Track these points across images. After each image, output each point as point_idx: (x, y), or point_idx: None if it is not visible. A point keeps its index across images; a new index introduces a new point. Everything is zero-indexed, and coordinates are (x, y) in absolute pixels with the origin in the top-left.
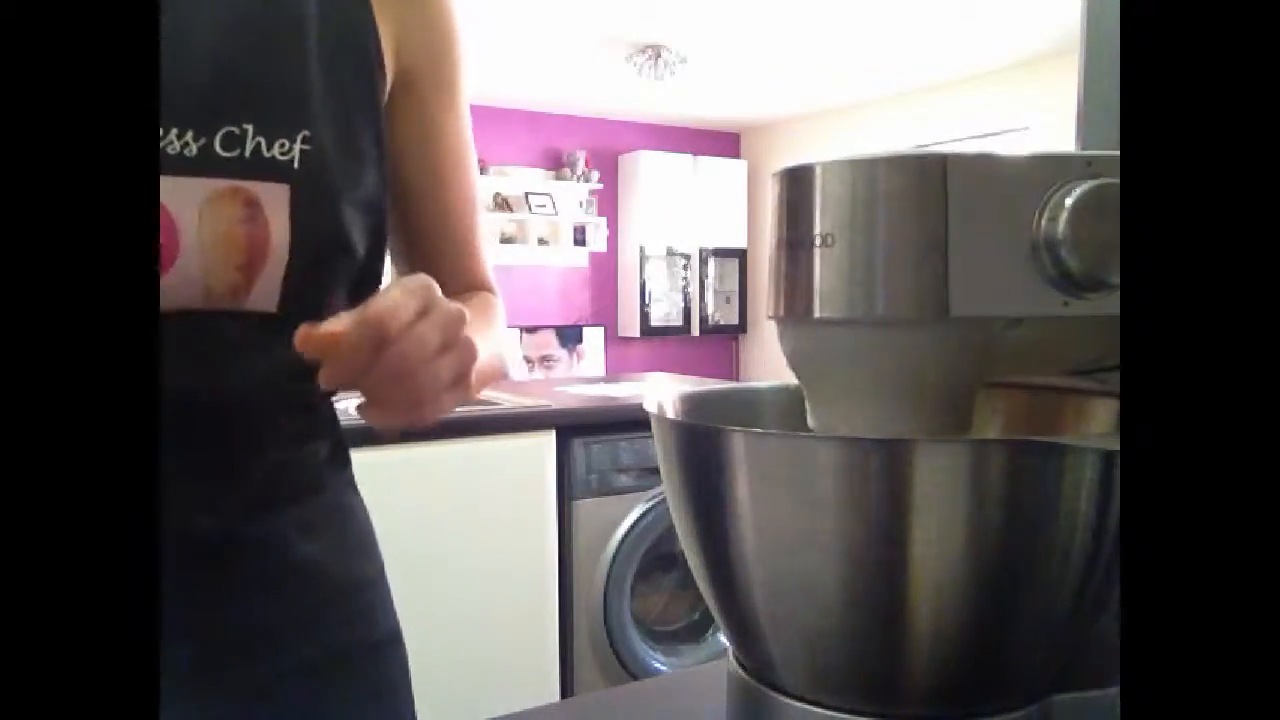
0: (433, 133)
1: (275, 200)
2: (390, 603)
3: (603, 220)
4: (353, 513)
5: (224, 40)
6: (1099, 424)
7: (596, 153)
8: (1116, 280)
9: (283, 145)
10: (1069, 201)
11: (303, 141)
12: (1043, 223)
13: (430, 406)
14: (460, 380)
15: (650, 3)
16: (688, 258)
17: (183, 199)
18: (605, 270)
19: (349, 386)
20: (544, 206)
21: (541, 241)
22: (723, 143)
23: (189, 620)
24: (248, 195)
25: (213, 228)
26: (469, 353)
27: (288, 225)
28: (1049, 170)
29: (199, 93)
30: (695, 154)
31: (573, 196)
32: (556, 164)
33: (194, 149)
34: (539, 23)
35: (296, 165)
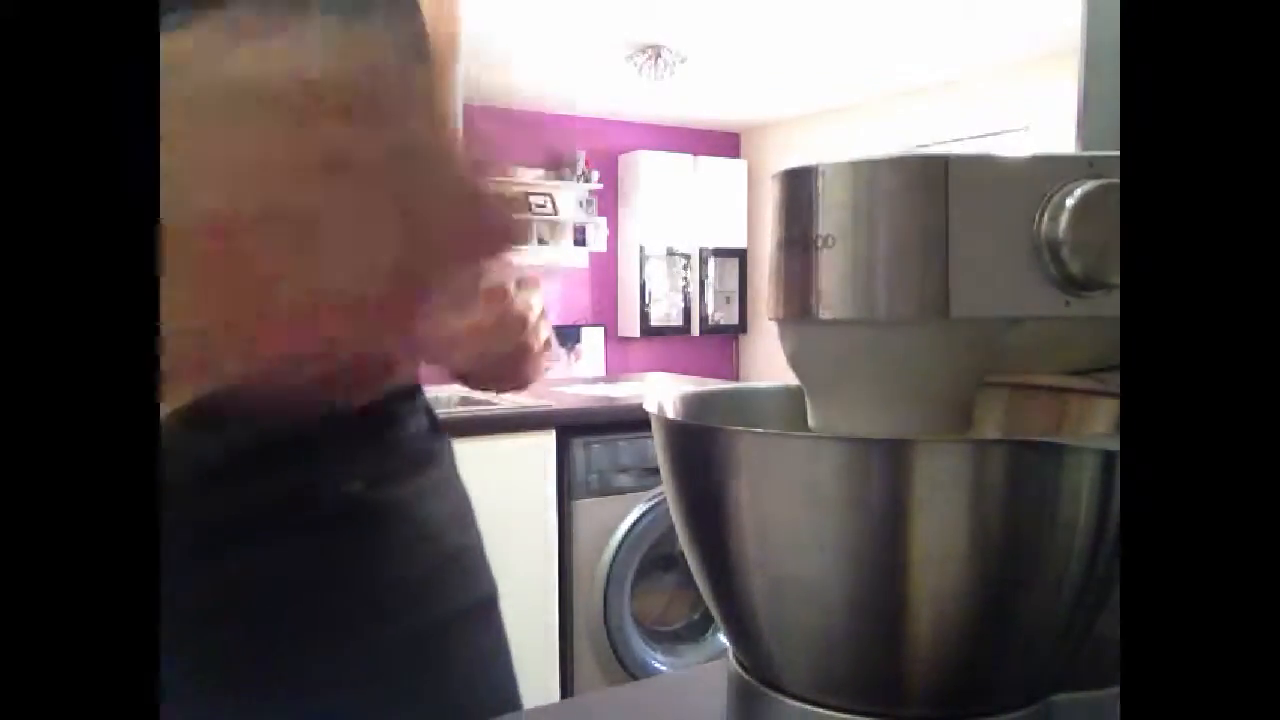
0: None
1: None
2: (487, 566)
3: (603, 220)
4: (456, 481)
5: None
6: (1099, 424)
7: (596, 153)
8: (1117, 280)
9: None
10: (1070, 202)
11: None
12: (1044, 223)
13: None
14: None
15: (650, 3)
16: (688, 258)
17: None
18: (605, 270)
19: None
20: (544, 206)
21: (541, 241)
22: (723, 143)
23: (333, 579)
24: None
25: None
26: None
27: None
28: (1050, 171)
29: None
30: (695, 154)
31: (573, 197)
32: (556, 164)
33: None
34: (539, 23)
35: None
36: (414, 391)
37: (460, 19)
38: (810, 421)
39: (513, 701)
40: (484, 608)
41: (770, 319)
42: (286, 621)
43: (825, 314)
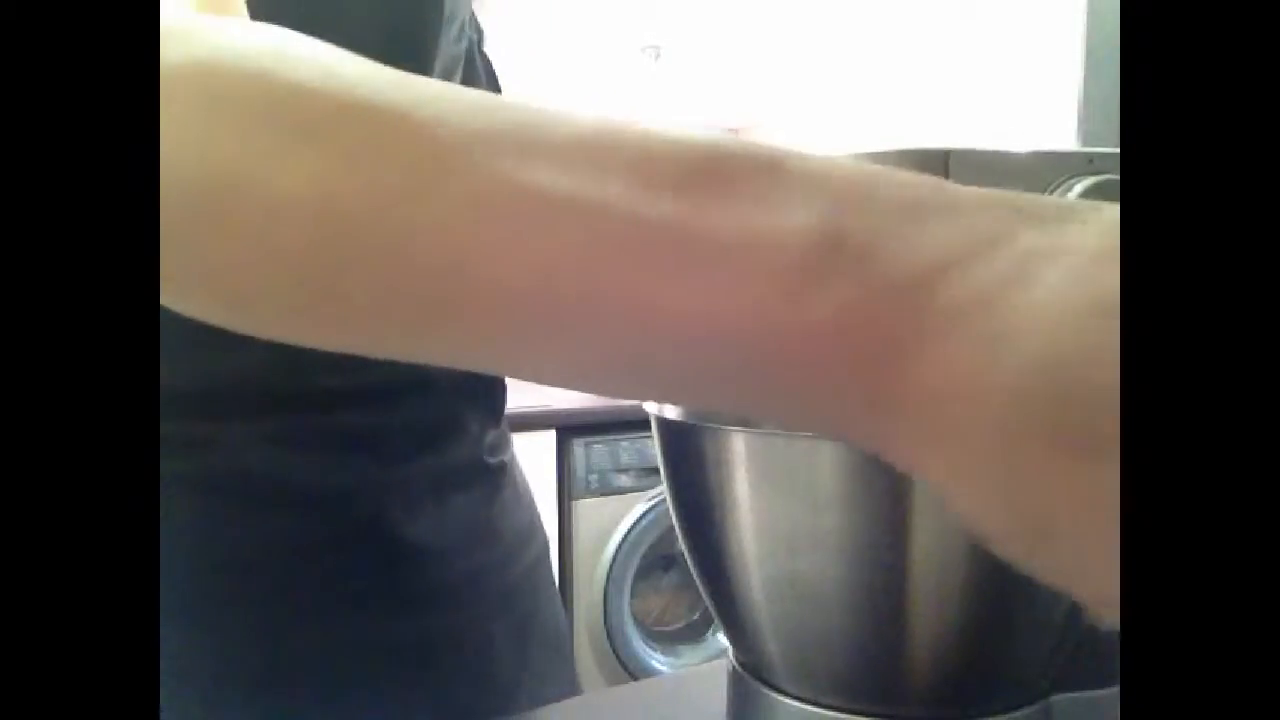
0: None
1: None
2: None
3: None
4: (517, 468)
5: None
6: None
7: None
8: None
9: None
10: (1070, 197)
11: None
12: None
13: None
14: None
15: (650, 3)
16: None
17: None
18: None
19: None
20: None
21: None
22: None
23: (484, 532)
24: None
25: None
26: None
27: None
28: (1051, 166)
29: None
30: None
31: None
32: None
33: None
34: (538, 23)
35: None
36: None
37: None
38: None
39: (566, 642)
40: (549, 550)
41: None
42: (448, 574)
43: None
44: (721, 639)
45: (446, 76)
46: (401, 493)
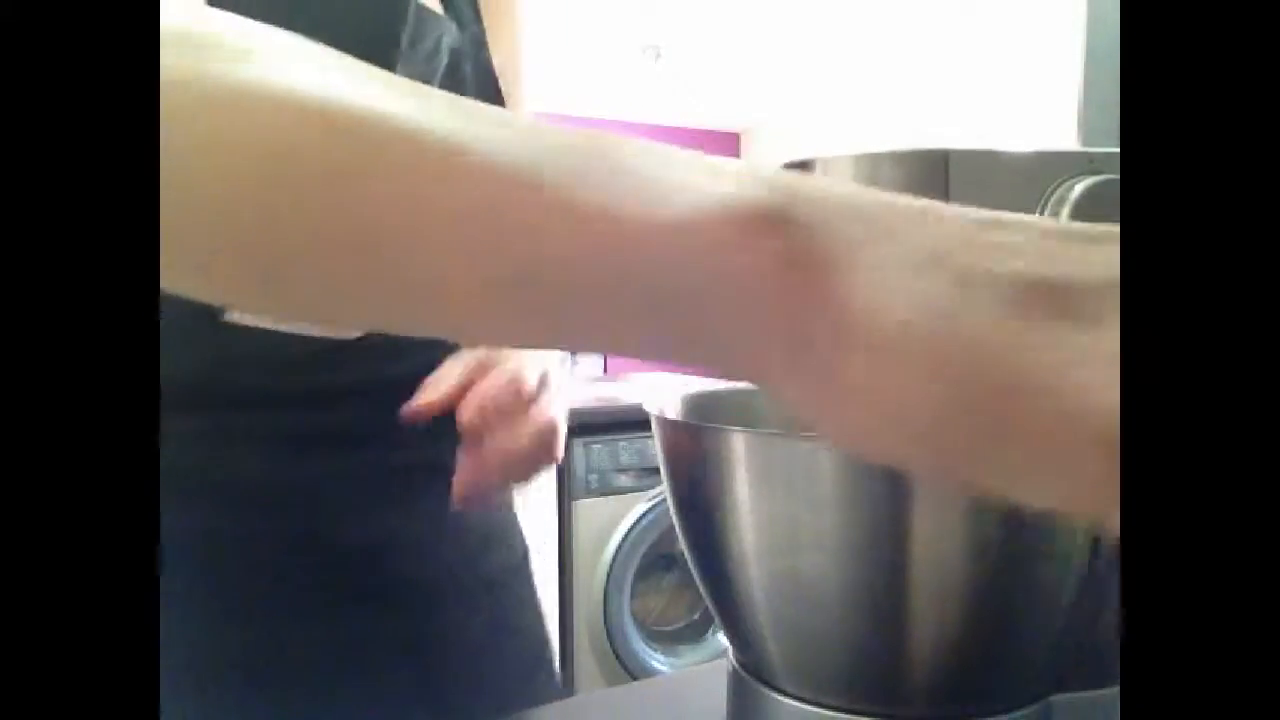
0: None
1: None
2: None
3: None
4: None
5: None
6: None
7: None
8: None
9: None
10: (1070, 197)
11: None
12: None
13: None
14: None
15: (650, 3)
16: None
17: None
18: None
19: None
20: None
21: None
22: (723, 143)
23: (442, 532)
24: None
25: None
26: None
27: None
28: (1051, 166)
29: None
30: None
31: None
32: None
33: None
34: (538, 23)
35: None
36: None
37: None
38: None
39: (549, 644)
40: (528, 557)
41: None
42: (404, 573)
43: None
44: (721, 639)
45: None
46: (353, 490)
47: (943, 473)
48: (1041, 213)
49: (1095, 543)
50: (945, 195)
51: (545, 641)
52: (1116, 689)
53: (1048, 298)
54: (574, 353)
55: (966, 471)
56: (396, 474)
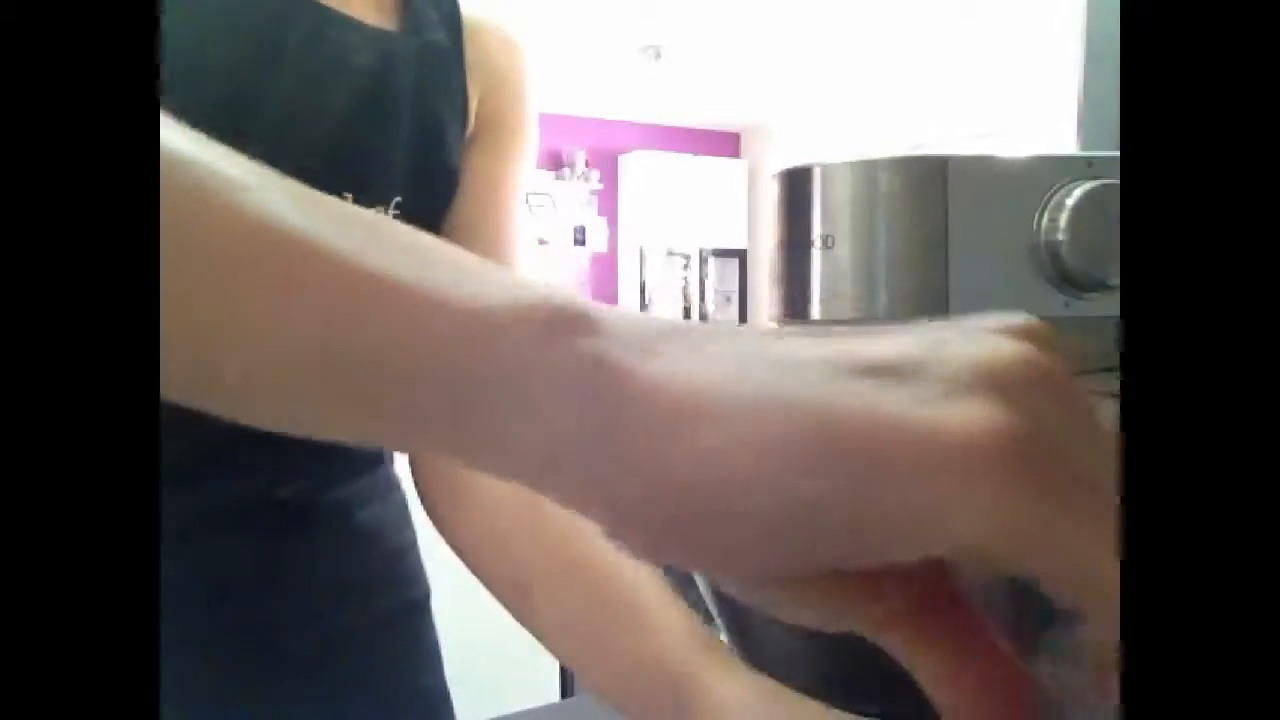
0: (488, 179)
1: None
2: (423, 566)
3: (603, 220)
4: (398, 482)
5: (339, 128)
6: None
7: (596, 153)
8: (1117, 281)
9: (379, 210)
10: (1069, 202)
11: (395, 206)
12: (1043, 224)
13: None
14: None
15: (650, 3)
16: (688, 258)
17: None
18: (605, 270)
19: None
20: (544, 206)
21: (541, 241)
22: (723, 143)
23: (272, 578)
24: None
25: None
26: None
27: None
28: (1049, 171)
29: (309, 167)
30: (695, 154)
31: (573, 196)
32: (556, 164)
33: None
34: (539, 23)
35: None
36: None
37: (531, 100)
38: None
39: (445, 704)
40: (420, 607)
41: (770, 319)
42: (222, 621)
43: (825, 314)
44: (721, 639)
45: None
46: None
47: (807, 545)
48: (1041, 217)
49: None
50: (944, 201)
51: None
52: None
53: (867, 368)
54: (374, 446)
55: (831, 538)
56: (191, 515)
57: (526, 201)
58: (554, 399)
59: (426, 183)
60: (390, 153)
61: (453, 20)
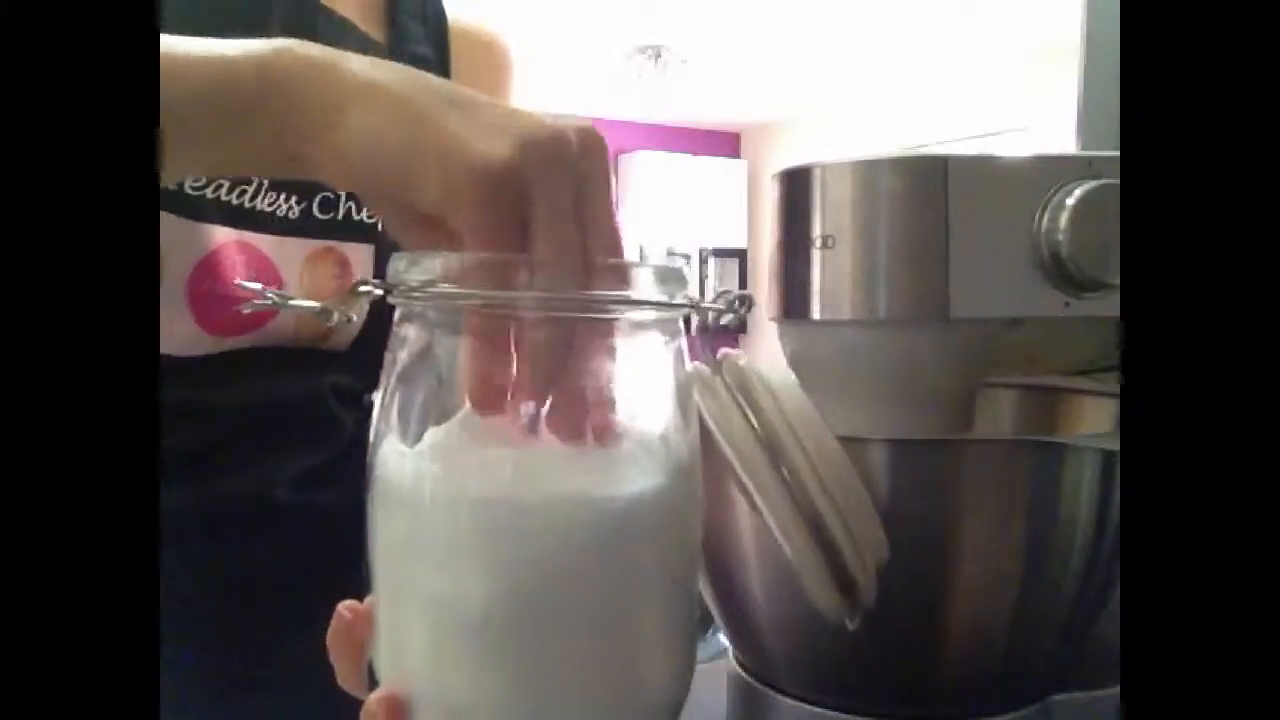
0: None
1: (361, 259)
2: None
3: None
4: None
5: None
6: (1099, 424)
7: None
8: (1117, 281)
9: (369, 210)
10: (1069, 202)
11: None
12: (1043, 223)
13: None
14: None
15: (650, 3)
16: (688, 258)
17: (287, 256)
18: None
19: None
20: None
21: None
22: (723, 143)
23: (272, 578)
24: (340, 255)
25: (311, 284)
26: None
27: None
28: (1049, 171)
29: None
30: (695, 154)
31: None
32: None
33: (296, 211)
34: (539, 23)
35: (380, 226)
36: (360, 395)
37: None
38: None
39: None
40: None
41: (770, 319)
42: (222, 621)
43: (825, 314)
44: (721, 639)
45: None
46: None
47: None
48: (1041, 217)
49: (1096, 542)
50: (944, 201)
51: None
52: (1116, 689)
53: (459, 104)
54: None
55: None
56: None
57: None
58: (269, 107)
59: None
60: None
61: (439, 34)
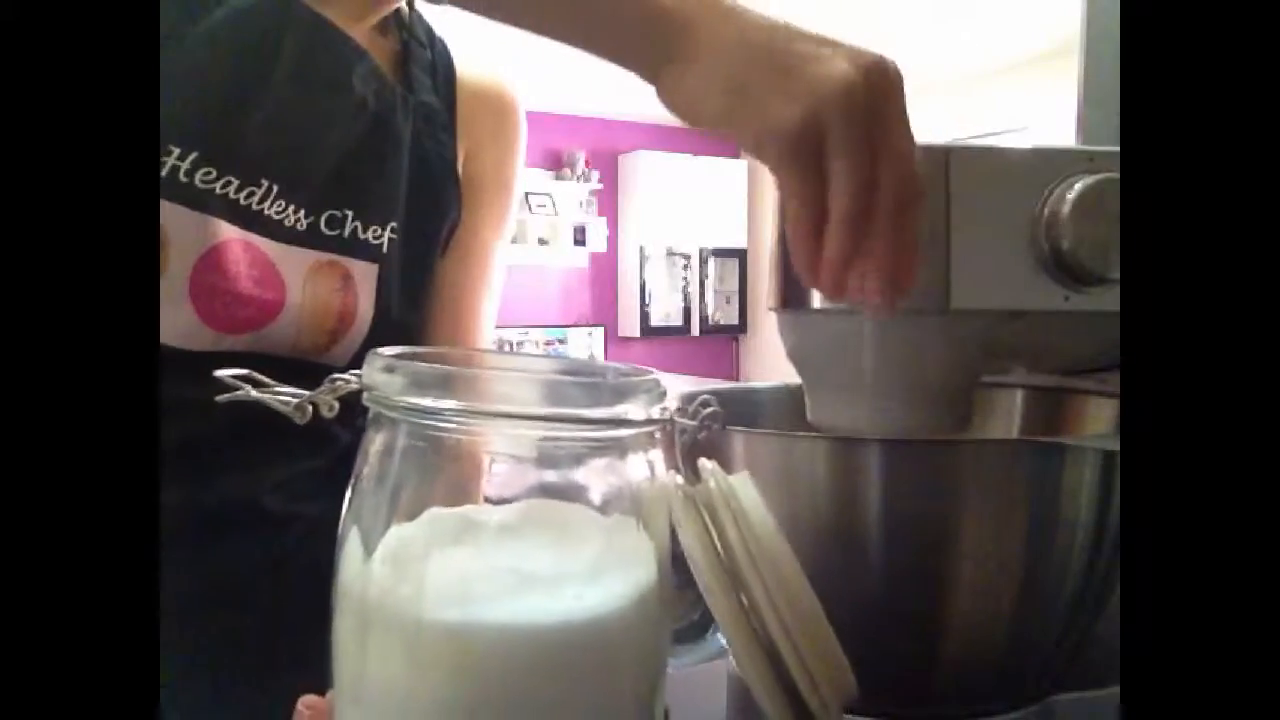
0: (469, 240)
1: (364, 276)
2: None
3: (603, 220)
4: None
5: (343, 152)
6: (1099, 424)
7: (596, 153)
8: (1117, 275)
9: (375, 231)
10: (1070, 196)
11: (391, 231)
12: (1044, 217)
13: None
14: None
15: None
16: (688, 258)
17: (290, 263)
18: (605, 270)
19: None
20: (544, 206)
21: (541, 241)
22: (723, 143)
23: (272, 578)
24: (344, 270)
25: (313, 293)
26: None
27: (372, 299)
28: (1051, 164)
29: (316, 184)
30: (695, 154)
31: (573, 196)
32: (556, 164)
33: (304, 224)
34: None
35: (385, 249)
36: (354, 407)
37: (518, 162)
38: (808, 414)
39: None
40: None
41: (769, 309)
42: (222, 621)
43: (824, 304)
44: (721, 639)
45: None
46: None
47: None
48: (1042, 210)
49: (1096, 542)
50: (946, 192)
51: None
52: (1116, 689)
53: (804, 41)
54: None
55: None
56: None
57: (526, 201)
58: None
59: (418, 216)
60: (383, 186)
61: (448, 87)
